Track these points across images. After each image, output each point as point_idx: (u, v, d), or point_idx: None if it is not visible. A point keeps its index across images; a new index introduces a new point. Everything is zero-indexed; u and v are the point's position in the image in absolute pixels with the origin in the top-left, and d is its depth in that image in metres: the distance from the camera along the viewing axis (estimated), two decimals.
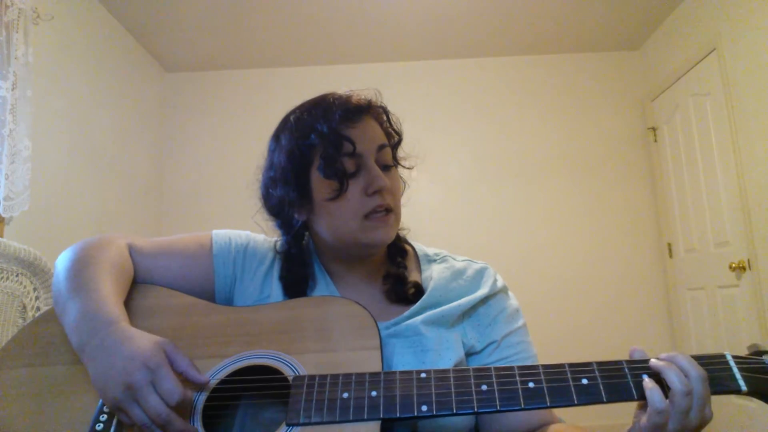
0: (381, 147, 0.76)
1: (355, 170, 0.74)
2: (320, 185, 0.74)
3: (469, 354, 0.75)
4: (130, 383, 0.59)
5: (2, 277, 1.15)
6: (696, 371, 0.56)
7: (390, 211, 0.75)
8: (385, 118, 0.81)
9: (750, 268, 2.59)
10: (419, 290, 0.79)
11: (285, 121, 0.79)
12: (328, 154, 0.73)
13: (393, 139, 0.82)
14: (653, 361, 0.58)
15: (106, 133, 2.99)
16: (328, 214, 0.75)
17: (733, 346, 2.75)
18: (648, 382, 0.57)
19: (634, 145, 3.58)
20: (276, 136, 0.80)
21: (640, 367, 0.60)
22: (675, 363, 0.57)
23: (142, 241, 0.83)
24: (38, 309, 1.21)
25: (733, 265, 2.67)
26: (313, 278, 0.81)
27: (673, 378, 0.56)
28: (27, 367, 0.71)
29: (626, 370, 0.59)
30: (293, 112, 0.80)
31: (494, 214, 3.52)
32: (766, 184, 2.48)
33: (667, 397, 0.56)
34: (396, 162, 0.81)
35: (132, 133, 3.28)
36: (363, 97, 0.78)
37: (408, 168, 0.84)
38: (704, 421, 0.56)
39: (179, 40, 3.33)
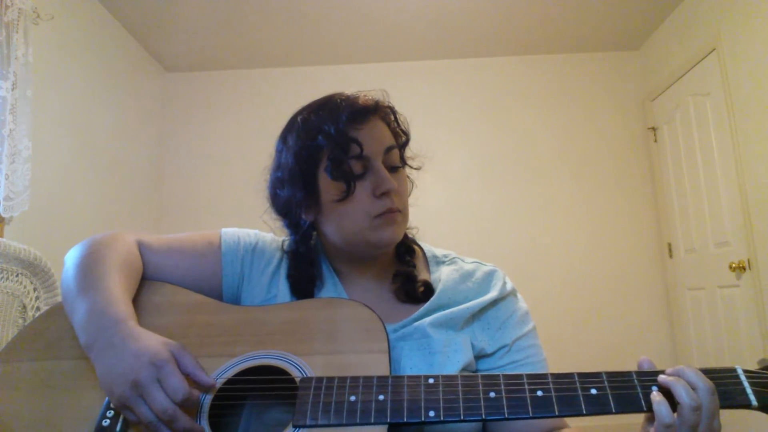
0: (389, 149, 0.76)
1: (362, 172, 0.74)
2: (328, 186, 0.74)
3: (480, 357, 0.75)
4: (136, 380, 0.59)
5: (2, 277, 1.14)
6: (704, 384, 0.56)
7: (398, 211, 0.75)
8: (392, 118, 0.80)
9: (750, 268, 2.59)
10: (429, 289, 0.79)
11: (292, 122, 0.79)
12: (335, 156, 0.72)
13: (401, 139, 0.81)
14: (662, 377, 0.58)
15: (106, 133, 2.99)
16: (336, 215, 0.75)
17: (733, 346, 2.76)
18: (656, 395, 0.56)
19: (634, 145, 3.58)
20: (283, 137, 0.80)
21: (649, 378, 0.59)
22: (683, 377, 0.57)
23: (152, 238, 0.83)
24: (38, 309, 1.21)
25: (733, 265, 2.67)
26: (321, 278, 0.81)
27: (681, 392, 0.55)
28: (34, 360, 0.71)
29: (636, 381, 0.59)
30: (300, 112, 0.79)
31: (494, 214, 3.52)
32: (766, 184, 2.48)
33: (675, 410, 0.55)
34: (404, 162, 0.81)
35: (132, 133, 3.28)
36: (370, 97, 0.78)
37: (416, 168, 0.84)
38: None
39: (179, 40, 3.33)
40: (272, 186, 0.81)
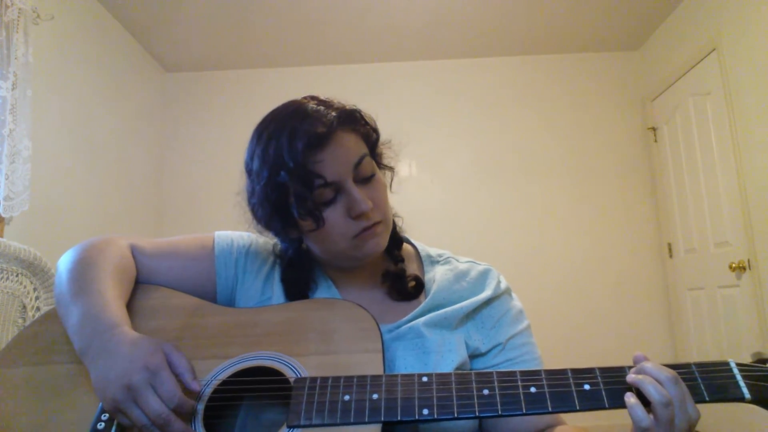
0: (358, 163, 0.71)
1: (333, 196, 0.71)
2: (301, 220, 0.72)
3: (474, 356, 0.75)
4: (130, 384, 0.59)
5: (2, 277, 1.15)
6: (665, 374, 0.56)
7: (378, 223, 0.73)
8: (359, 120, 0.75)
9: (750, 268, 2.59)
10: (419, 284, 0.79)
11: (257, 139, 0.75)
12: (298, 193, 0.69)
13: (372, 138, 0.77)
14: (630, 377, 0.58)
15: (106, 133, 2.99)
16: (317, 239, 0.74)
17: (733, 346, 2.75)
18: (631, 398, 0.56)
19: (634, 145, 3.58)
20: (251, 155, 0.75)
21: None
22: (646, 373, 0.57)
23: (145, 242, 0.83)
24: (38, 309, 1.21)
25: (733, 265, 2.67)
26: (315, 281, 0.81)
27: (649, 389, 0.55)
28: (29, 365, 0.71)
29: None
30: (264, 127, 0.75)
31: (494, 214, 3.52)
32: (766, 184, 2.48)
33: (649, 411, 0.56)
34: (379, 164, 0.79)
35: (132, 133, 3.28)
36: (329, 115, 0.70)
37: (390, 169, 0.81)
38: (692, 422, 0.56)
39: (179, 40, 3.33)
40: (251, 210, 0.77)
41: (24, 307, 1.19)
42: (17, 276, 1.18)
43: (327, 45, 3.46)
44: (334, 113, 0.71)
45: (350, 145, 0.72)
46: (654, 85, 3.46)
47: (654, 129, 3.48)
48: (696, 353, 3.10)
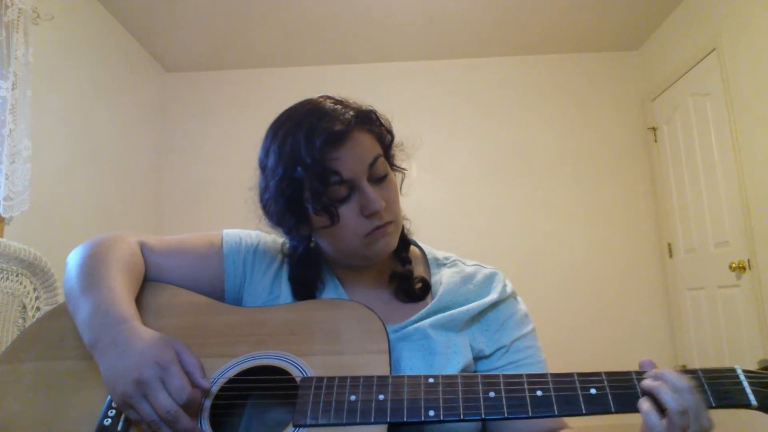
0: (373, 162, 0.72)
1: (347, 194, 0.72)
2: (315, 215, 0.73)
3: (478, 358, 0.76)
4: (140, 379, 0.60)
5: (2, 277, 1.15)
6: (682, 383, 0.56)
7: (389, 223, 0.74)
8: (375, 121, 0.76)
9: (750, 268, 2.59)
10: (426, 285, 0.79)
11: (273, 136, 0.75)
12: (314, 189, 0.70)
13: (386, 139, 0.78)
14: (645, 383, 0.58)
15: (106, 133, 2.99)
16: (328, 236, 0.75)
17: (733, 346, 2.76)
18: (644, 404, 0.57)
19: (634, 145, 3.58)
20: (266, 152, 0.76)
21: None
22: (664, 380, 0.57)
23: (154, 239, 0.83)
24: (38, 309, 1.21)
25: (733, 265, 2.67)
26: (322, 280, 0.81)
27: (666, 398, 0.55)
28: (38, 360, 0.71)
29: (635, 381, 0.59)
30: (280, 125, 0.75)
31: (494, 214, 3.52)
32: (766, 184, 2.48)
33: (664, 416, 0.56)
34: (392, 165, 0.80)
35: (132, 133, 3.28)
36: (347, 114, 0.72)
37: (402, 170, 0.82)
38: None
39: (179, 40, 3.33)
40: (263, 206, 0.78)
41: (24, 307, 1.19)
42: (17, 276, 1.18)
43: (327, 45, 3.46)
44: (351, 113, 0.72)
45: (366, 144, 0.73)
46: (654, 85, 3.47)
47: (654, 129, 3.49)
48: (696, 353, 3.10)
